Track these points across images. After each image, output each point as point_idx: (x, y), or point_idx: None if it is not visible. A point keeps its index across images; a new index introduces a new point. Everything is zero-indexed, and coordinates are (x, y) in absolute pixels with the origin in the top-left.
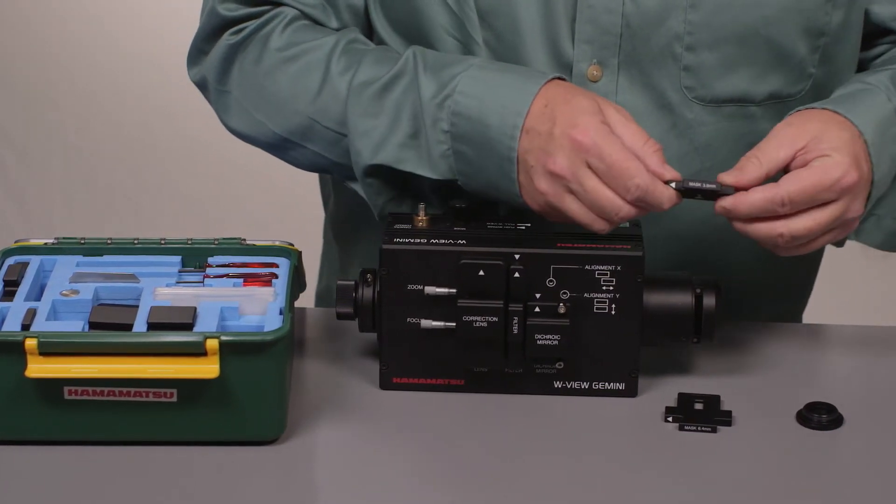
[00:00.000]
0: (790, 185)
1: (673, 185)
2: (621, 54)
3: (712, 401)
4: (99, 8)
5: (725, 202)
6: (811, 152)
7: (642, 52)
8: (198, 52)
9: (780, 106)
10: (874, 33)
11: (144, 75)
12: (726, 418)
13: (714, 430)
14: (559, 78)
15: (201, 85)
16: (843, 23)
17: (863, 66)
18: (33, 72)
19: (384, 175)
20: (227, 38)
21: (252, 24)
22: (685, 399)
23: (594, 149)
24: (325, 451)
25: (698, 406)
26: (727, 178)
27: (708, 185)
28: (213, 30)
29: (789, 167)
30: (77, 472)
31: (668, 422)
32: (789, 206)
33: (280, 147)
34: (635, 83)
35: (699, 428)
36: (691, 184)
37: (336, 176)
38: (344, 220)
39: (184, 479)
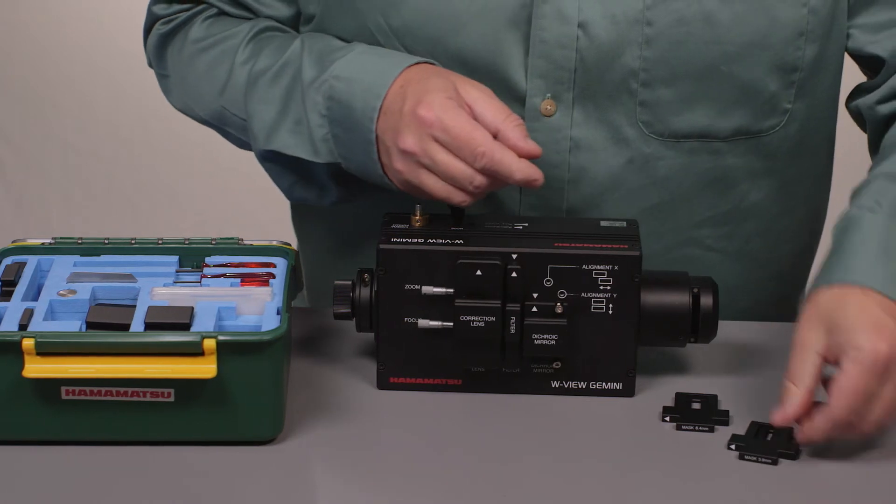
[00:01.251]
0: (839, 401)
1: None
2: (576, 89)
3: (710, 400)
4: (96, 8)
5: (800, 438)
6: (835, 350)
7: (597, 87)
8: (144, 40)
9: (751, 141)
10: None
11: (142, 76)
12: (723, 418)
13: (711, 430)
14: (430, 63)
15: (153, 69)
16: (819, 56)
17: (878, 126)
18: (31, 72)
19: (281, 160)
20: (158, 28)
21: (180, 16)
22: (682, 399)
23: (437, 122)
24: (323, 451)
25: (696, 406)
26: (777, 418)
27: (765, 459)
28: (148, 26)
29: (827, 360)
30: (74, 472)
31: (666, 422)
32: (855, 414)
33: (214, 127)
34: (590, 118)
35: (696, 427)
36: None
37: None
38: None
39: (181, 479)
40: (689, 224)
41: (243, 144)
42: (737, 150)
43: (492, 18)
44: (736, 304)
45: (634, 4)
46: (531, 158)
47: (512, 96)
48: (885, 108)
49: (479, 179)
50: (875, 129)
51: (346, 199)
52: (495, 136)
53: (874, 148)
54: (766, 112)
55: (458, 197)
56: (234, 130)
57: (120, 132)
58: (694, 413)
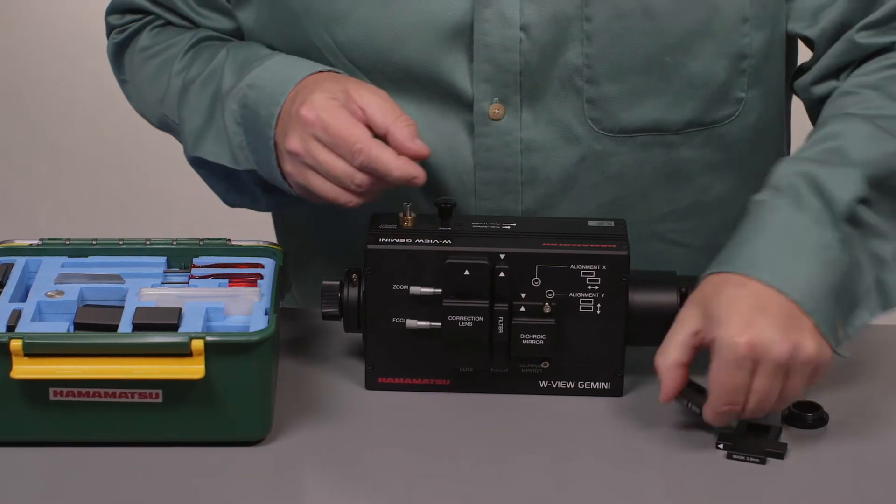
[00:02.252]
0: (710, 398)
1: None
2: (522, 91)
3: (771, 430)
4: (81, 8)
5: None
6: (706, 337)
7: (543, 87)
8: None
9: (706, 133)
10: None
11: None
12: (779, 451)
13: (763, 462)
14: (335, 71)
15: (116, 77)
16: (768, 42)
17: (814, 106)
18: (16, 72)
19: (211, 167)
20: (114, 37)
21: (131, 26)
22: (742, 426)
23: (318, 121)
24: (311, 452)
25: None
26: (660, 398)
27: (753, 458)
28: (107, 34)
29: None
30: (63, 474)
31: (720, 449)
32: (730, 405)
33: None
34: (539, 119)
35: (748, 458)
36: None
37: None
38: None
39: (169, 480)
40: (650, 219)
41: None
42: (692, 143)
43: (433, 28)
44: None
45: (573, 1)
46: (419, 159)
47: (459, 103)
48: (818, 90)
49: (360, 177)
50: (811, 109)
51: (277, 207)
52: (385, 138)
53: (813, 121)
54: (718, 102)
55: (344, 197)
56: (177, 137)
57: (107, 132)
58: (751, 443)
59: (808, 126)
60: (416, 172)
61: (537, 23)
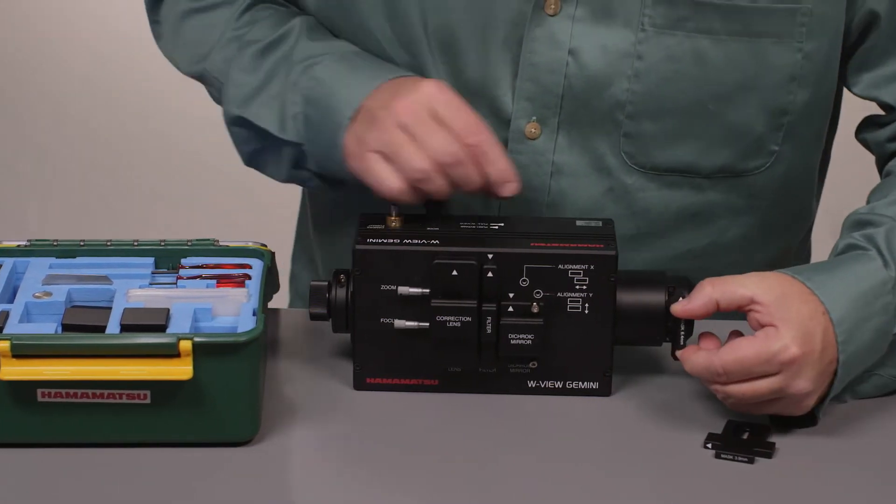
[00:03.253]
0: (727, 356)
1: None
2: (562, 114)
3: (760, 430)
4: (69, 9)
5: (679, 353)
6: (765, 315)
7: (583, 114)
8: None
9: (734, 179)
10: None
11: (115, 76)
12: (768, 450)
13: (751, 461)
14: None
15: (148, 17)
16: (810, 101)
17: (885, 155)
18: (3, 73)
19: (248, 127)
20: None
21: None
22: (731, 427)
23: (442, 96)
24: (299, 452)
25: (745, 435)
26: (676, 307)
27: (741, 458)
28: None
29: (745, 312)
30: (51, 475)
31: (707, 448)
32: (725, 376)
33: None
34: (574, 144)
35: (736, 458)
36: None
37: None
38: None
39: (157, 481)
40: (665, 257)
41: (219, 102)
42: (719, 187)
43: (487, 35)
44: None
45: (626, 36)
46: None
47: (498, 116)
48: (893, 146)
49: (461, 157)
50: (883, 160)
51: (299, 182)
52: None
53: (880, 169)
54: (752, 153)
55: (435, 182)
56: (214, 91)
57: (95, 133)
58: (739, 442)
59: (845, 175)
60: (516, 179)
61: (587, 49)
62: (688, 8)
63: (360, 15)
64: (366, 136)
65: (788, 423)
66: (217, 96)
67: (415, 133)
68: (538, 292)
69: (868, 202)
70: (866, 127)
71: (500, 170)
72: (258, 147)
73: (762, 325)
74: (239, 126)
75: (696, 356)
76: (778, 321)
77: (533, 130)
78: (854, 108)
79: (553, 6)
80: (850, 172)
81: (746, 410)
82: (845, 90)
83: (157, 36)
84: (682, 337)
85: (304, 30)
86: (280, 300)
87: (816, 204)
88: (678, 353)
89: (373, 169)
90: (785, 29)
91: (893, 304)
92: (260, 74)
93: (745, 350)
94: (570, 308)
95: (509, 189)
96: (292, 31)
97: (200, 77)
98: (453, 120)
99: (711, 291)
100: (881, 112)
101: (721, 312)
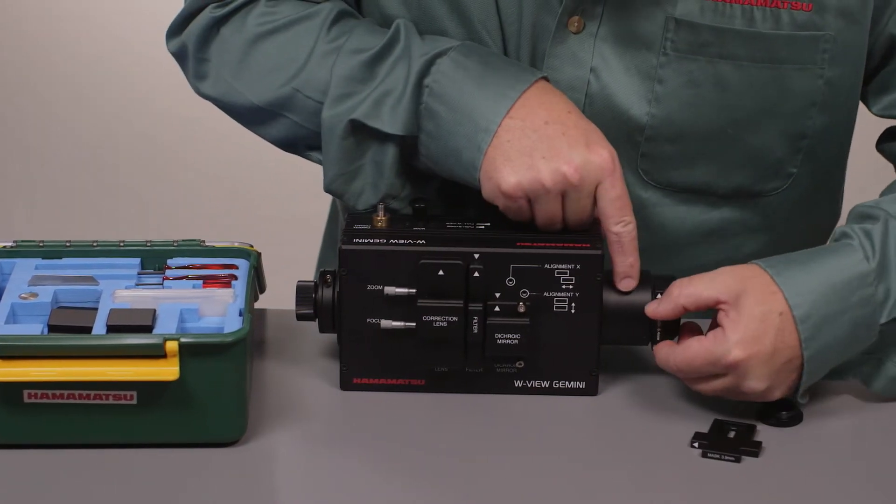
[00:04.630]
0: (678, 356)
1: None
2: None
3: (747, 429)
4: (57, 10)
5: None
6: (722, 316)
7: (602, 131)
8: (180, 25)
9: (750, 201)
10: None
11: (102, 78)
12: (755, 449)
13: (738, 460)
14: (546, 79)
15: (180, 55)
16: (828, 124)
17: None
18: None
19: (360, 135)
20: (211, 11)
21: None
22: (717, 426)
23: (612, 175)
24: (286, 453)
25: (731, 434)
26: (648, 308)
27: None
28: (195, 9)
29: (716, 309)
30: (37, 476)
31: (694, 447)
32: (682, 374)
33: (254, 118)
34: None
35: (722, 457)
36: None
37: (302, 150)
38: None
39: (144, 482)
40: (681, 271)
41: (287, 136)
42: (735, 205)
43: (510, 51)
44: None
45: (648, 59)
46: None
47: None
48: None
49: (584, 225)
50: None
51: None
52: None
53: None
54: (770, 175)
55: (557, 227)
56: (299, 116)
57: (81, 134)
58: (725, 441)
59: (864, 186)
60: (637, 277)
61: (608, 69)
62: (710, 34)
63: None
64: (519, 171)
65: (776, 424)
66: (293, 123)
67: (568, 196)
68: (524, 292)
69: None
70: (886, 138)
71: (628, 265)
72: (357, 165)
73: (720, 322)
74: (344, 138)
75: (659, 352)
76: (727, 323)
77: None
78: (873, 119)
79: (576, 24)
80: (868, 184)
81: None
82: (861, 105)
83: (202, 75)
84: (658, 333)
85: (412, 29)
86: (269, 300)
87: (836, 221)
88: (654, 349)
89: (510, 209)
90: (807, 56)
91: (877, 297)
92: (376, 80)
93: (692, 352)
94: (557, 308)
95: (626, 285)
96: (399, 32)
97: (284, 102)
98: (612, 202)
99: (678, 296)
100: None
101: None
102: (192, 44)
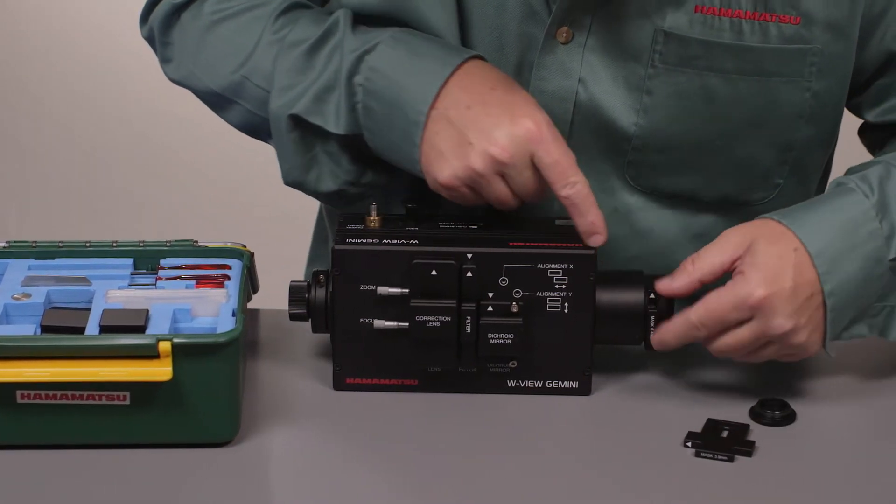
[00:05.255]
0: (699, 309)
1: None
2: (570, 140)
3: (740, 429)
4: (51, 10)
5: (654, 338)
6: (738, 265)
7: (590, 141)
8: (147, 10)
9: (736, 209)
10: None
11: (95, 78)
12: (748, 448)
13: (731, 460)
14: (480, 57)
15: (150, 39)
16: (814, 138)
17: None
18: None
19: (302, 129)
20: None
21: None
22: (711, 425)
23: (543, 142)
24: (279, 453)
25: (724, 434)
26: (660, 285)
27: (720, 456)
28: None
29: (731, 274)
30: (30, 477)
31: (688, 447)
32: (705, 330)
33: (215, 103)
34: (581, 167)
35: (715, 456)
36: None
37: (263, 136)
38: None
39: (137, 482)
40: (666, 274)
41: (246, 123)
42: (720, 212)
43: (500, 61)
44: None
45: (636, 70)
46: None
47: None
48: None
49: (543, 199)
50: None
51: (348, 193)
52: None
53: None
54: (757, 185)
55: (514, 204)
56: (251, 104)
57: (74, 134)
58: (719, 441)
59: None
60: (605, 230)
61: (596, 80)
62: (699, 46)
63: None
64: (451, 161)
65: (769, 423)
66: (245, 112)
67: (507, 175)
68: (517, 292)
69: None
70: (869, 129)
71: (589, 223)
72: (311, 156)
73: (736, 275)
74: (290, 131)
75: (672, 323)
76: (745, 267)
77: None
78: (854, 128)
79: (565, 35)
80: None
81: (753, 360)
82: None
83: (166, 60)
84: (652, 332)
85: (349, 23)
86: (262, 300)
87: None
88: (654, 335)
89: (450, 194)
90: (795, 69)
91: (883, 232)
92: (312, 73)
93: (714, 300)
94: (550, 307)
95: (595, 241)
96: (337, 23)
97: (234, 89)
98: (550, 168)
99: (692, 270)
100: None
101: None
102: (156, 28)
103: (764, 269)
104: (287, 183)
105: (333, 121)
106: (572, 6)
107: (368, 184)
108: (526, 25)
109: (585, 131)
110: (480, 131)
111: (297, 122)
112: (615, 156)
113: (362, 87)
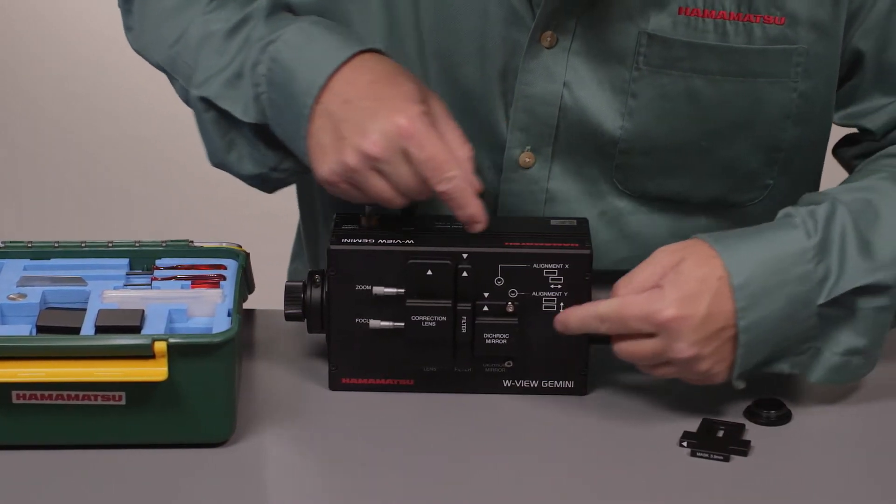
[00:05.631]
0: (610, 304)
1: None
2: (556, 144)
3: (735, 429)
4: (45, 10)
5: (557, 317)
6: (661, 280)
7: (577, 145)
8: None
9: (726, 211)
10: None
11: (91, 77)
12: (744, 448)
13: (727, 459)
14: (377, 51)
15: (120, 6)
16: (801, 137)
17: (847, 161)
18: None
19: (216, 111)
20: None
21: None
22: (706, 425)
23: (415, 137)
24: (275, 453)
25: (720, 433)
26: (571, 314)
27: (716, 456)
28: None
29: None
30: (25, 477)
31: (683, 447)
32: (608, 326)
33: (166, 74)
34: (568, 172)
35: (711, 455)
36: None
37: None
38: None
39: (132, 482)
40: None
41: (185, 100)
42: (710, 214)
43: (483, 66)
44: None
45: (621, 74)
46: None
47: (492, 142)
48: (857, 162)
49: (428, 195)
50: (848, 169)
51: (266, 177)
52: None
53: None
54: (746, 187)
55: (398, 201)
56: (183, 80)
57: (69, 134)
58: (714, 440)
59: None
60: (484, 219)
61: (581, 83)
62: (683, 48)
63: (353, 31)
64: (329, 156)
65: (765, 423)
66: (183, 86)
67: (383, 171)
68: (513, 291)
69: None
70: (842, 144)
71: (468, 215)
72: (228, 139)
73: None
74: (205, 111)
75: (580, 307)
76: (666, 283)
77: (527, 160)
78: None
79: (549, 39)
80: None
81: (653, 374)
82: None
83: (128, 28)
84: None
85: (266, 10)
86: (256, 300)
87: None
88: (557, 318)
89: (334, 191)
90: (780, 69)
91: (816, 275)
92: (226, 57)
93: (626, 303)
94: (546, 307)
95: (476, 229)
96: (257, 11)
97: (171, 64)
98: (423, 164)
99: (625, 293)
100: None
101: None
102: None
103: (681, 290)
104: (213, 164)
105: (242, 109)
106: (556, 10)
107: (289, 170)
108: (510, 31)
109: (572, 135)
110: (354, 126)
111: (210, 104)
112: (602, 159)
113: (265, 78)
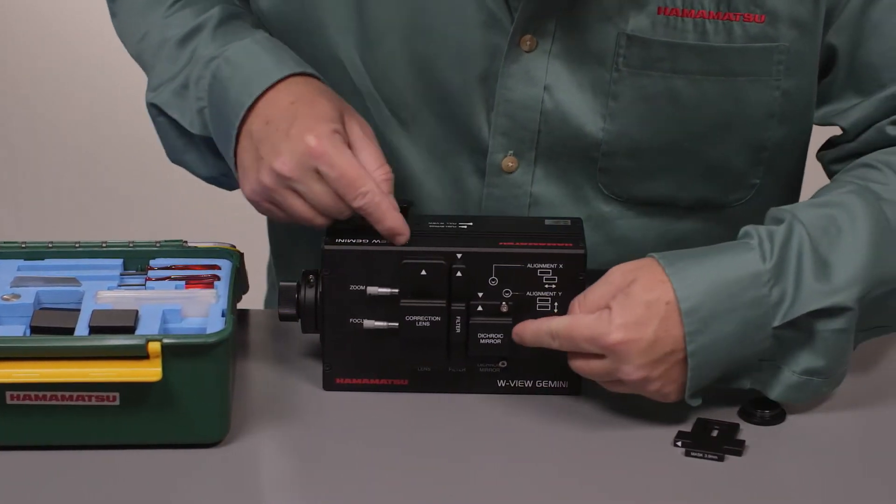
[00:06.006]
0: (561, 322)
1: None
2: (539, 148)
3: (730, 428)
4: (42, 11)
5: (514, 329)
6: (610, 301)
7: (560, 149)
8: None
9: (713, 212)
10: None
11: (87, 78)
12: (738, 448)
13: (721, 459)
14: (313, 75)
15: None
16: (787, 137)
17: (829, 171)
18: None
19: (166, 117)
20: None
21: None
22: (701, 424)
23: (325, 157)
24: (269, 453)
25: (714, 433)
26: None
27: (711, 455)
28: None
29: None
30: (20, 478)
31: (678, 447)
32: (558, 343)
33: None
34: (551, 176)
35: (706, 455)
36: None
37: None
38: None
39: (127, 483)
40: None
41: None
42: (697, 217)
43: (463, 71)
44: None
45: (601, 75)
46: None
47: (474, 148)
48: (837, 167)
49: (348, 213)
50: (828, 174)
51: (220, 175)
52: None
53: None
54: (732, 187)
55: (320, 221)
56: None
57: (63, 134)
58: (709, 440)
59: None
60: (406, 231)
61: (562, 86)
62: (663, 49)
63: (326, 38)
64: (250, 176)
65: (759, 422)
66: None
67: (298, 190)
68: (507, 291)
69: None
70: (825, 146)
71: (388, 228)
72: (182, 141)
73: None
74: (157, 116)
75: (535, 321)
76: (615, 305)
77: (510, 164)
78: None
79: (529, 42)
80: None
81: (610, 390)
82: None
83: (113, 14)
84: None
85: (216, 22)
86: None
87: None
88: (516, 326)
89: (259, 210)
90: (761, 68)
91: (770, 300)
92: (177, 66)
93: (576, 324)
94: (540, 307)
95: (399, 241)
96: (208, 21)
97: (138, 59)
98: (336, 182)
99: (579, 312)
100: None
101: None
102: None
103: (629, 315)
104: (172, 161)
105: (189, 120)
106: (535, 14)
107: None
108: (489, 35)
109: (554, 139)
110: (270, 146)
111: (161, 111)
112: (586, 164)
113: (206, 93)
